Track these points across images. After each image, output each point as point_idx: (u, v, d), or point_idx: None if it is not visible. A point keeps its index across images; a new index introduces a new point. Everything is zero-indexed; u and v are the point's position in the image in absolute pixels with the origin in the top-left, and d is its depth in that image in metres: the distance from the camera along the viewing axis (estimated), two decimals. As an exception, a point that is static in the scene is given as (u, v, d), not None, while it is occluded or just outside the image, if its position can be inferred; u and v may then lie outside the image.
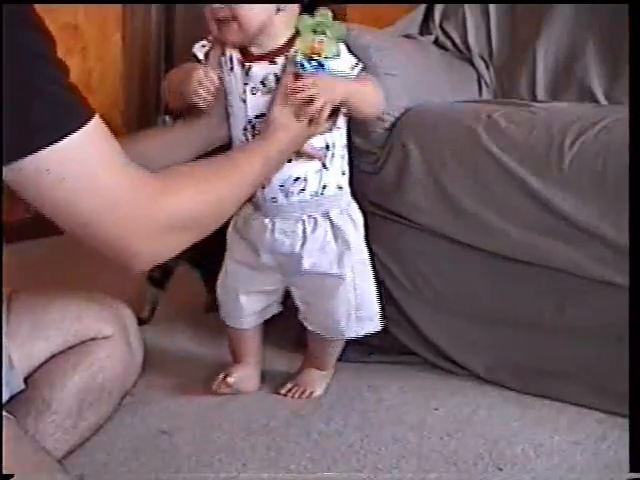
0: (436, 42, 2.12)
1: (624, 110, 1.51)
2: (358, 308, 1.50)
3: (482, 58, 2.09)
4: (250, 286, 1.54)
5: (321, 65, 1.31)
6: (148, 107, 3.00)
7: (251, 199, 1.47)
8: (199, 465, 1.29)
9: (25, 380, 1.20)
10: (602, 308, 1.48)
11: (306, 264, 1.47)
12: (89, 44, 2.81)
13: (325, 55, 1.30)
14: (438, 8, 2.16)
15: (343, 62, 1.40)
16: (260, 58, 1.40)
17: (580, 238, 1.47)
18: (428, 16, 2.17)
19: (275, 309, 1.60)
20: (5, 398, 1.14)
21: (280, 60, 1.39)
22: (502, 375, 1.60)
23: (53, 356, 1.24)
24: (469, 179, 1.58)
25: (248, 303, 1.55)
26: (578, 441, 1.39)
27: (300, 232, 1.46)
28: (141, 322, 1.67)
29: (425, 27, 2.15)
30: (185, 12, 3.02)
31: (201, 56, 1.43)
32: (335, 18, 1.34)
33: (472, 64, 2.08)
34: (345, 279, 1.48)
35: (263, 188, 1.44)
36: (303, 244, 1.46)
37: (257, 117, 1.40)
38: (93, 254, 1.05)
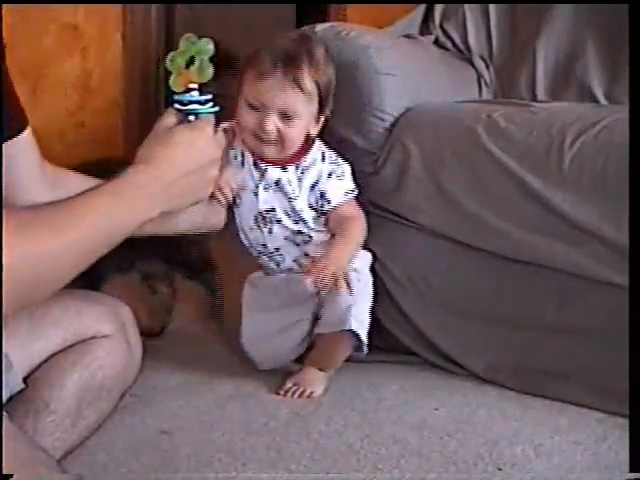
0: (436, 42, 2.12)
1: (624, 110, 1.51)
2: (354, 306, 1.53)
3: (482, 58, 2.09)
4: (275, 326, 1.61)
5: (199, 94, 1.13)
6: (148, 107, 3.00)
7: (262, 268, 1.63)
8: (199, 465, 1.29)
9: (24, 380, 1.20)
10: (602, 308, 1.48)
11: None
12: (89, 44, 2.81)
13: (200, 80, 1.13)
14: (438, 8, 2.16)
15: (342, 185, 1.54)
16: (274, 163, 1.52)
17: (580, 238, 1.47)
18: (428, 16, 2.17)
19: (305, 344, 1.64)
20: (4, 398, 1.14)
21: (291, 168, 1.52)
22: (502, 375, 1.60)
23: (52, 355, 1.24)
24: (469, 179, 1.58)
25: (280, 342, 1.62)
26: (578, 441, 1.39)
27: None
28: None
29: (425, 27, 2.15)
30: (185, 12, 3.03)
31: None
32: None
33: (472, 64, 2.08)
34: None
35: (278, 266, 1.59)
36: None
37: (267, 211, 1.54)
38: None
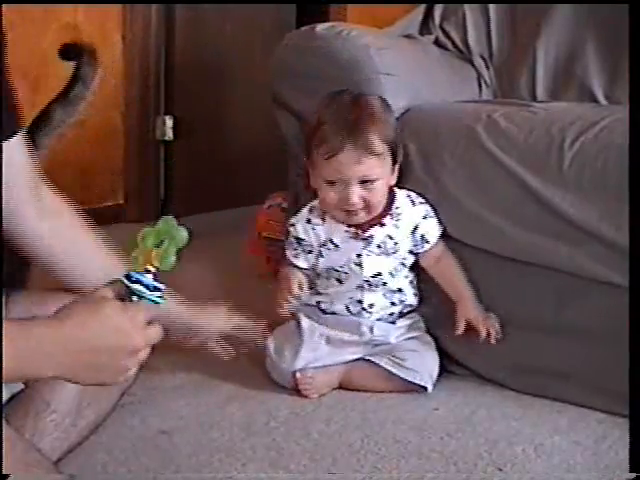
0: (436, 42, 2.12)
1: (624, 110, 1.51)
2: None
3: (482, 58, 2.09)
4: (323, 360, 1.57)
5: (153, 279, 1.03)
6: (148, 107, 3.00)
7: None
8: (199, 465, 1.29)
9: (24, 380, 1.20)
10: (602, 308, 1.48)
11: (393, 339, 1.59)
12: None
13: (160, 267, 1.04)
14: (438, 8, 2.15)
15: (434, 224, 1.57)
16: (371, 224, 1.55)
17: (580, 238, 1.47)
18: (428, 16, 2.16)
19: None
20: (4, 399, 1.14)
21: (387, 220, 1.54)
22: (502, 375, 1.60)
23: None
24: (469, 179, 1.58)
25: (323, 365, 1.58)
26: (578, 441, 1.39)
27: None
28: None
29: (425, 27, 2.15)
30: (185, 12, 3.02)
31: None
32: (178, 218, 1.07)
33: (472, 64, 2.08)
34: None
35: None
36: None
37: (373, 276, 1.56)
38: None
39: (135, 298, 0.99)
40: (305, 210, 1.61)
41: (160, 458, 1.31)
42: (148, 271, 1.02)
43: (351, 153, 1.47)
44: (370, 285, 1.58)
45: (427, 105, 1.72)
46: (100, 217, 3.12)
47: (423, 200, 1.60)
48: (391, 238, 1.56)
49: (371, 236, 1.55)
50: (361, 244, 1.56)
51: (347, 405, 1.52)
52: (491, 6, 2.11)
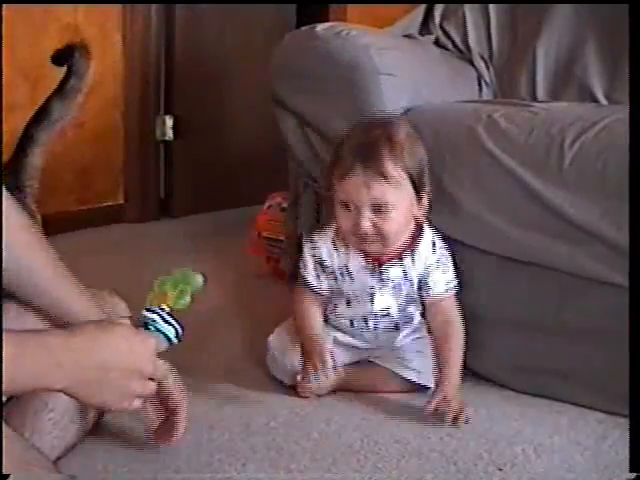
0: (436, 42, 2.12)
1: (624, 110, 1.51)
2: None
3: (482, 58, 2.09)
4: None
5: (163, 315, 1.13)
6: (148, 107, 3.00)
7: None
8: (199, 465, 1.29)
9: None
10: (602, 308, 1.48)
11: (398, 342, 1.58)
12: (89, 44, 2.80)
13: (174, 306, 1.14)
14: (438, 8, 2.16)
15: (444, 278, 1.54)
16: (389, 258, 1.52)
17: (580, 238, 1.47)
18: (428, 16, 2.17)
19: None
20: (3, 398, 1.14)
21: (406, 257, 1.51)
22: (502, 375, 1.60)
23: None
24: (469, 179, 1.58)
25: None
26: (578, 441, 1.39)
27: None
28: None
29: (425, 27, 2.15)
30: (185, 12, 3.03)
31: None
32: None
33: (472, 64, 2.08)
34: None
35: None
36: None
37: (382, 309, 1.55)
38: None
39: (147, 331, 1.10)
40: (330, 232, 1.56)
41: (160, 458, 1.31)
42: (162, 309, 1.13)
43: (362, 177, 1.42)
44: (376, 316, 1.57)
45: (427, 105, 1.73)
46: (100, 217, 3.15)
47: (445, 247, 1.55)
48: (406, 276, 1.53)
49: (387, 273, 1.52)
50: (376, 279, 1.53)
51: (347, 405, 1.52)
52: (491, 6, 2.11)
